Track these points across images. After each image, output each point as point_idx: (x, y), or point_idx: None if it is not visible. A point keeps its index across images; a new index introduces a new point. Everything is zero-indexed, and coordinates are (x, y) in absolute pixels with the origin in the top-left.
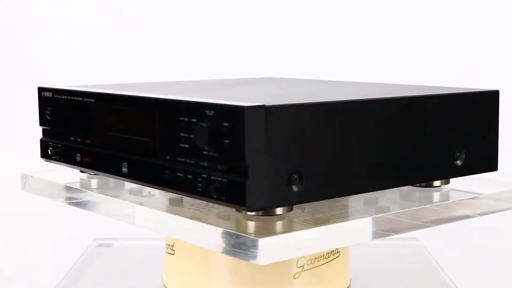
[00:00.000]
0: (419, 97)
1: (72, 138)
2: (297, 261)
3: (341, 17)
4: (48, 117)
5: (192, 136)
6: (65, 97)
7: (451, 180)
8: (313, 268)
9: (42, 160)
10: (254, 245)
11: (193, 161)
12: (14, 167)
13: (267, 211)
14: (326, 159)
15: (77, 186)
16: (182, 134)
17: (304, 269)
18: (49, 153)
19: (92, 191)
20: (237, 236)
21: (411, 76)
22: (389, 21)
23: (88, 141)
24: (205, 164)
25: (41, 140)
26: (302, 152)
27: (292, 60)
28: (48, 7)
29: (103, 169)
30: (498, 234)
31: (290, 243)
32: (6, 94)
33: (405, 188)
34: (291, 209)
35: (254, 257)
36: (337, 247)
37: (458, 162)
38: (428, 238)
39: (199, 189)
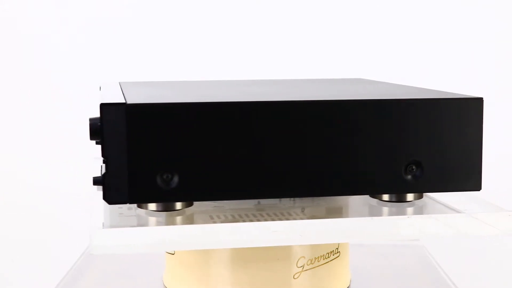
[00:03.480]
0: (341, 101)
1: None
2: (297, 261)
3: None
4: None
5: None
6: None
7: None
8: (313, 268)
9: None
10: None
11: None
12: (14, 167)
13: (167, 205)
14: (203, 160)
15: None
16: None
17: (304, 269)
18: None
19: None
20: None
21: (412, 77)
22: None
23: None
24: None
25: None
26: (174, 151)
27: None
28: (47, 7)
29: None
30: (498, 234)
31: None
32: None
33: (374, 201)
34: (190, 204)
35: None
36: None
37: (410, 177)
38: (428, 238)
39: None
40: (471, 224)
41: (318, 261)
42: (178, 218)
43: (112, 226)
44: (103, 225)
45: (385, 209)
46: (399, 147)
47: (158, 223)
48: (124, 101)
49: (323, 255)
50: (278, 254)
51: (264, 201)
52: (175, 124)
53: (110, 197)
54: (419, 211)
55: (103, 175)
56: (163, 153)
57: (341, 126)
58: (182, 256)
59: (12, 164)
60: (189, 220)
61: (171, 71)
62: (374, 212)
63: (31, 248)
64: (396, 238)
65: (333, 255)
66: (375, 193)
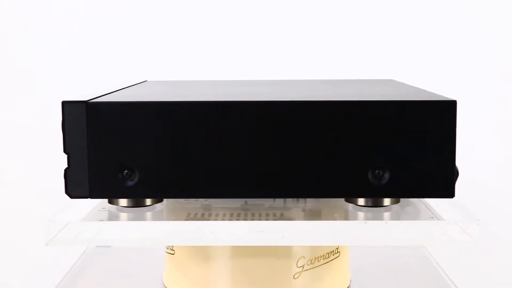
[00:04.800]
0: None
1: None
2: (297, 261)
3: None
4: None
5: None
6: None
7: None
8: (313, 268)
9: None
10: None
11: None
12: (14, 167)
13: (137, 201)
14: (162, 158)
15: None
16: None
17: (304, 269)
18: None
19: None
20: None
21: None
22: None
23: None
24: None
25: None
26: (134, 148)
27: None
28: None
29: None
30: (498, 234)
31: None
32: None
33: (350, 206)
34: (160, 201)
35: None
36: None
37: (377, 181)
38: None
39: None
40: (435, 231)
41: (318, 261)
42: (137, 215)
43: (67, 220)
44: (60, 218)
45: (360, 214)
46: (365, 150)
47: (113, 218)
48: (84, 99)
49: (323, 255)
50: (278, 254)
51: (251, 201)
52: (134, 122)
53: (72, 191)
54: (393, 217)
55: (65, 170)
56: (122, 150)
57: (305, 128)
58: (182, 256)
59: (11, 163)
60: (157, 217)
61: (198, 69)
62: (345, 216)
63: (31, 248)
64: (360, 243)
65: (333, 255)
66: (341, 197)
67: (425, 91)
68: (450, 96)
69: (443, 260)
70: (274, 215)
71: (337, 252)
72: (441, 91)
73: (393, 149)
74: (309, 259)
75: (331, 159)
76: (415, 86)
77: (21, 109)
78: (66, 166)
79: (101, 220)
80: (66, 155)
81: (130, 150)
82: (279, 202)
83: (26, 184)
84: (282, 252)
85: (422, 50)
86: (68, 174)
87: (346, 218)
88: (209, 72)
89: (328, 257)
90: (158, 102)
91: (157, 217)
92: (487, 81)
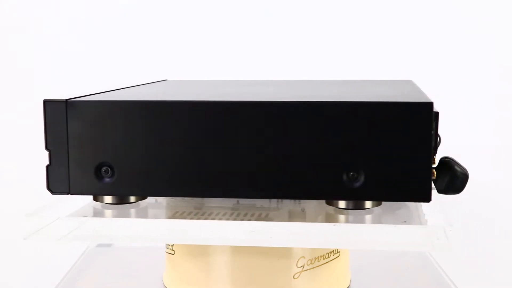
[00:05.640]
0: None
1: None
2: (297, 261)
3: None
4: None
5: None
6: None
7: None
8: (313, 268)
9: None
10: None
11: None
12: (14, 166)
13: (123, 198)
14: (140, 156)
15: None
16: None
17: (304, 269)
18: None
19: None
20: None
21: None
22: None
23: None
24: None
25: None
26: (112, 146)
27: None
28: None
29: None
30: (498, 234)
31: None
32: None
33: (331, 209)
34: (143, 198)
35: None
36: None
37: (352, 183)
38: None
39: None
40: (402, 236)
41: (318, 261)
42: (120, 212)
43: (46, 215)
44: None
45: (341, 217)
46: (339, 152)
47: (94, 215)
48: (64, 98)
49: (323, 255)
50: (278, 254)
51: (243, 201)
52: (112, 120)
53: (53, 187)
54: (374, 219)
55: (47, 167)
56: (101, 148)
57: (280, 129)
58: (182, 256)
59: (10, 163)
60: (140, 214)
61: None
62: (325, 218)
63: (31, 248)
64: (331, 246)
65: (333, 255)
66: (316, 199)
67: (421, 92)
68: (449, 96)
69: (443, 260)
70: (260, 215)
71: (337, 252)
72: (441, 91)
73: (368, 151)
74: (309, 259)
75: (306, 160)
76: (417, 87)
77: (21, 109)
78: (48, 163)
79: (85, 216)
80: (48, 152)
81: (108, 148)
82: (270, 202)
83: (26, 183)
84: (282, 252)
85: (422, 50)
86: (49, 170)
87: (326, 220)
88: (209, 72)
89: (328, 257)
90: (135, 102)
91: (140, 215)
92: (487, 81)
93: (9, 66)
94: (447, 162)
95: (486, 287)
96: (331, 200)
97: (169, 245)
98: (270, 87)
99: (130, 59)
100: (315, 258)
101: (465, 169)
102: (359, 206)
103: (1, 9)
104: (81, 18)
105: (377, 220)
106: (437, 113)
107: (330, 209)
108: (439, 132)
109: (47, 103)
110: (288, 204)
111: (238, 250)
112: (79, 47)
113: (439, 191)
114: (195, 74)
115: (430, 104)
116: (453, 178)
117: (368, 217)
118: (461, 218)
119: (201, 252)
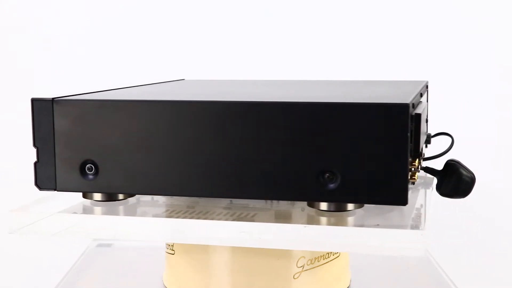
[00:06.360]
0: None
1: None
2: (297, 261)
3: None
4: None
5: None
6: None
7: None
8: (313, 268)
9: None
10: None
11: None
12: (14, 166)
13: (110, 195)
14: (123, 154)
15: None
16: None
17: (304, 269)
18: None
19: None
20: None
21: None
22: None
23: None
24: None
25: None
26: (96, 144)
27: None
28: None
29: None
30: (498, 234)
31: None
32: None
33: (313, 211)
34: (132, 195)
35: None
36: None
37: (326, 185)
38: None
39: None
40: (372, 239)
41: (318, 261)
42: (105, 209)
43: (33, 211)
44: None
45: (323, 219)
46: (313, 153)
47: (78, 212)
48: (51, 97)
49: (323, 255)
50: (278, 254)
51: (236, 201)
52: (96, 119)
53: (41, 184)
54: (357, 221)
55: (34, 163)
56: (85, 146)
57: (256, 129)
58: (182, 256)
59: (10, 162)
60: (128, 211)
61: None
62: (307, 220)
63: (31, 248)
64: (305, 247)
65: (333, 255)
66: (292, 200)
67: (410, 94)
68: (450, 96)
69: (443, 260)
70: (246, 215)
71: (337, 252)
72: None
73: (344, 153)
74: (309, 259)
75: (281, 161)
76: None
77: (21, 109)
78: (36, 160)
79: (74, 213)
80: (36, 149)
81: (92, 146)
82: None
83: (26, 183)
84: (282, 252)
85: (422, 50)
86: (37, 167)
87: (307, 222)
88: (209, 72)
89: (328, 257)
90: (118, 101)
91: (128, 212)
92: (487, 81)
93: (9, 66)
94: (452, 165)
95: (486, 287)
96: (305, 201)
97: (169, 245)
98: (250, 87)
99: (130, 59)
100: (315, 258)
101: (471, 172)
102: (340, 208)
103: (1, 9)
104: (84, 18)
105: (351, 223)
106: (418, 115)
107: (312, 211)
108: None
109: (34, 102)
110: (283, 204)
111: (238, 250)
112: (81, 48)
113: (444, 195)
114: (194, 74)
115: (406, 106)
116: (458, 182)
117: (349, 219)
118: (461, 218)
119: (201, 252)
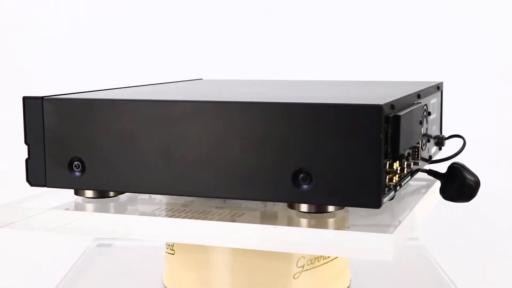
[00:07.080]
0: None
1: None
2: (297, 261)
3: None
4: None
5: None
6: None
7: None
8: (313, 268)
9: None
10: None
11: None
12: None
13: (101, 192)
14: (109, 152)
15: None
16: None
17: (304, 269)
18: None
19: None
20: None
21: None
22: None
23: None
24: None
25: None
26: (83, 142)
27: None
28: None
29: None
30: (498, 234)
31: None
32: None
33: (293, 213)
34: (122, 192)
35: None
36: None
37: (299, 186)
38: (428, 238)
39: None
40: (343, 241)
41: (318, 261)
42: (95, 206)
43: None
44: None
45: (303, 221)
46: (289, 154)
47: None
48: (41, 96)
49: (323, 255)
50: (278, 254)
51: (229, 200)
52: (84, 117)
53: (32, 180)
54: (337, 224)
55: (26, 160)
56: (73, 143)
57: (230, 129)
58: (182, 256)
59: (9, 162)
60: (118, 209)
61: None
62: (288, 222)
63: (31, 248)
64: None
65: None
66: (264, 200)
67: (393, 95)
68: (450, 96)
69: (443, 260)
70: (233, 215)
71: None
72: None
73: (319, 154)
74: (309, 259)
75: (255, 161)
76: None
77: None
78: (27, 156)
79: (66, 209)
80: (27, 146)
81: (79, 143)
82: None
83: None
84: (282, 252)
85: (421, 50)
86: (28, 164)
87: (287, 223)
88: (209, 71)
89: (328, 257)
90: (104, 100)
91: (118, 209)
92: (487, 81)
93: (9, 66)
94: (456, 169)
95: (486, 287)
96: (280, 202)
97: (169, 245)
98: (226, 87)
99: (130, 59)
100: (315, 258)
101: (476, 176)
102: (320, 210)
103: (1, 9)
104: (84, 18)
105: (328, 225)
106: (397, 117)
107: (293, 212)
108: (463, 135)
109: (26, 100)
110: (280, 205)
111: (238, 250)
112: (81, 48)
113: (448, 199)
114: (194, 73)
115: (379, 107)
116: (462, 186)
117: (329, 220)
118: (461, 218)
119: (201, 252)
